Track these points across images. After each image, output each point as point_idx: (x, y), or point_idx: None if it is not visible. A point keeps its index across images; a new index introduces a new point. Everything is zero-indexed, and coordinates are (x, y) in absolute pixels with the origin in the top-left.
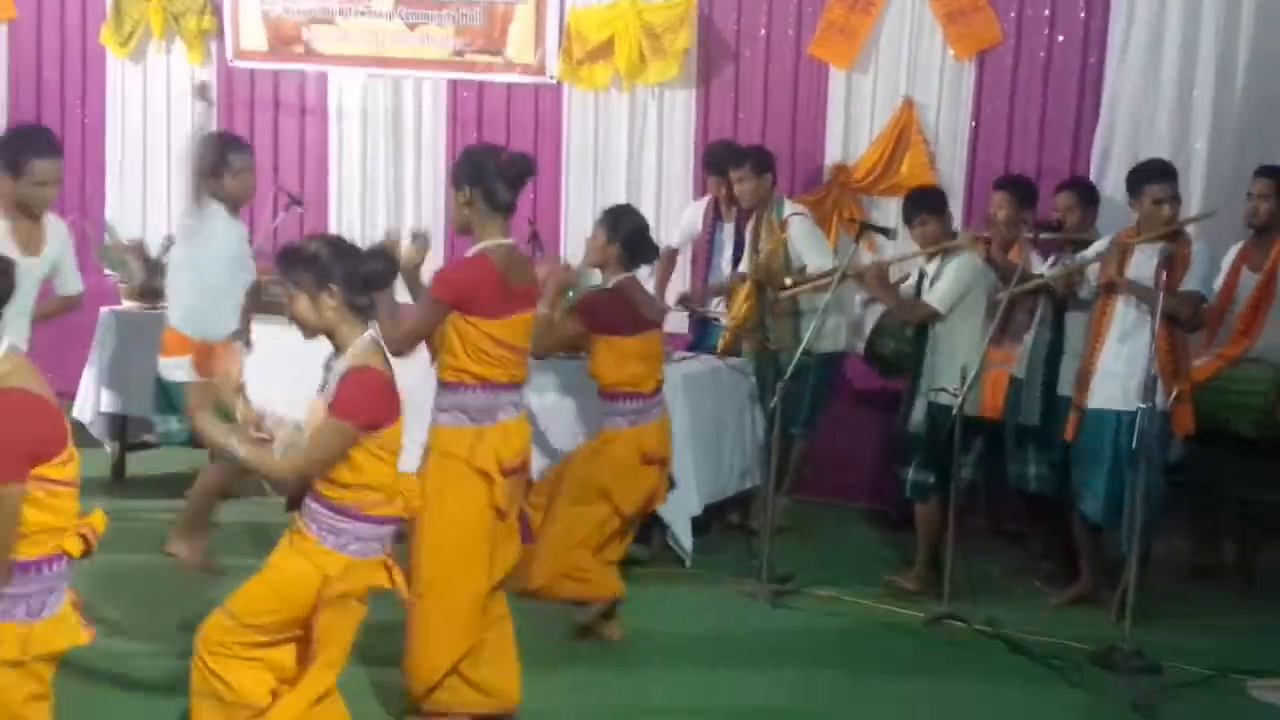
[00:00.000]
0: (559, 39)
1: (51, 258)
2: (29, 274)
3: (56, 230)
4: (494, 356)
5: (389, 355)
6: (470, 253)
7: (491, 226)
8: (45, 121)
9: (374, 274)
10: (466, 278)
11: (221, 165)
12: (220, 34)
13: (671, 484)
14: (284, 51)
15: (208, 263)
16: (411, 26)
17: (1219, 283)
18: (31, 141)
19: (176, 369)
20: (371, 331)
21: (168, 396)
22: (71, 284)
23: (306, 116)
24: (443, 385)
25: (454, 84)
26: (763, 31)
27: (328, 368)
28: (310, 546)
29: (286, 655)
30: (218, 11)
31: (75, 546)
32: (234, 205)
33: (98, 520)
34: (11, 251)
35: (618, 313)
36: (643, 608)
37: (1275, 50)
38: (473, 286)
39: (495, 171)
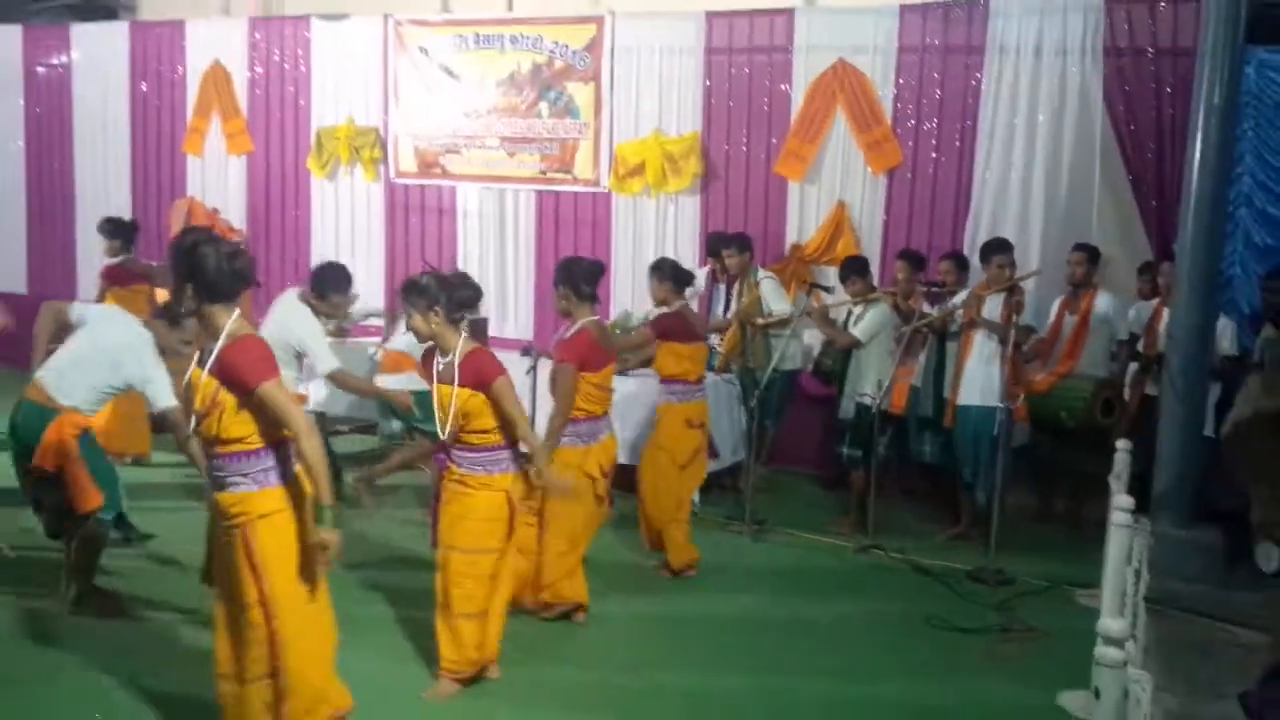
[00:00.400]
0: (609, 162)
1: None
2: None
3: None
4: (595, 397)
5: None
6: (573, 330)
7: (583, 309)
8: (270, 219)
9: (465, 299)
10: (579, 347)
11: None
12: (385, 160)
13: (714, 452)
14: (427, 172)
15: None
16: (511, 155)
17: (1048, 322)
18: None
19: (405, 381)
20: (466, 333)
21: (390, 404)
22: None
23: (442, 216)
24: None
25: (539, 193)
26: (744, 158)
27: (436, 364)
28: (481, 481)
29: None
30: (384, 145)
31: (276, 442)
32: None
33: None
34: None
35: (677, 327)
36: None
37: (1086, 161)
38: (585, 351)
39: (580, 274)
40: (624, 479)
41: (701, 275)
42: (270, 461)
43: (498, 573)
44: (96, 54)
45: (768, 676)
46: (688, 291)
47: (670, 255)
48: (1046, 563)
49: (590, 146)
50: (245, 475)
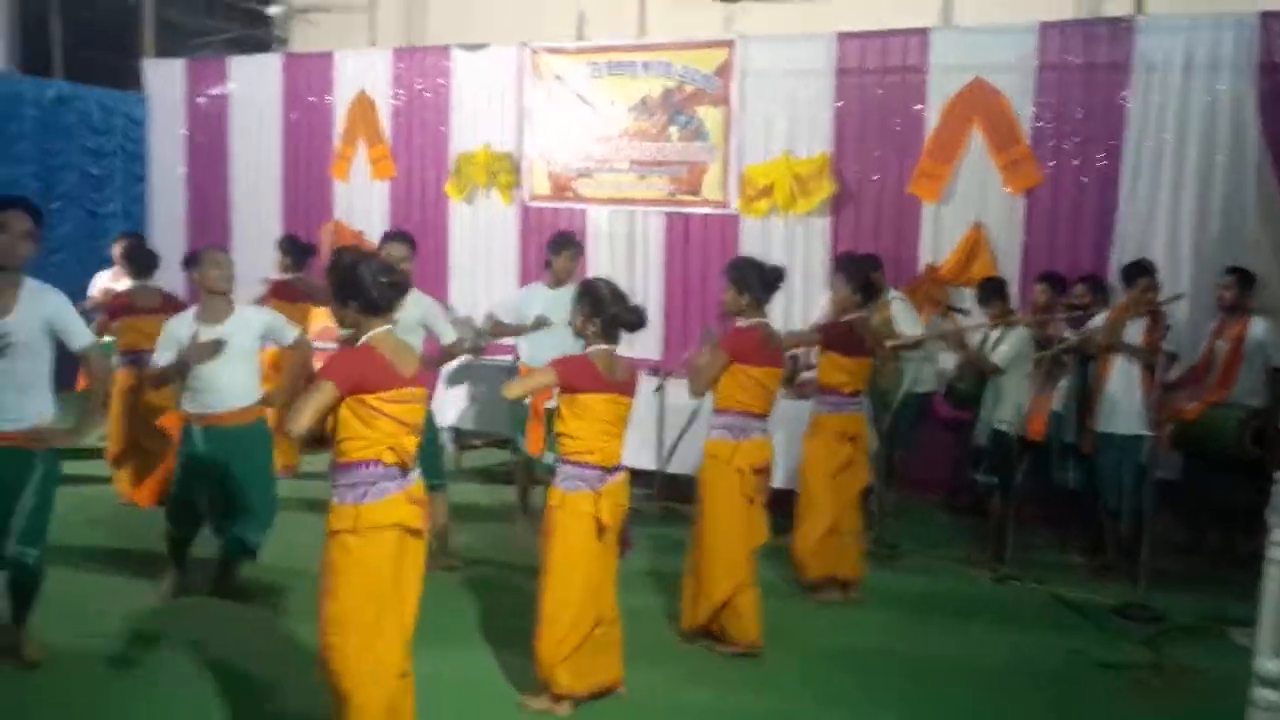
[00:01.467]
0: (738, 184)
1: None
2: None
3: (420, 301)
4: (752, 392)
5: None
6: (742, 324)
7: (754, 311)
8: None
9: (624, 320)
10: (739, 341)
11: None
12: (520, 184)
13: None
14: (560, 195)
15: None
16: (641, 177)
17: (1200, 350)
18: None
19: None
20: (606, 346)
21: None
22: (444, 336)
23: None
24: (716, 410)
25: (668, 215)
26: (875, 178)
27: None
28: (558, 500)
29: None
30: (518, 170)
31: (389, 457)
32: (557, 282)
33: (408, 443)
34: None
35: (846, 338)
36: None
37: (1239, 181)
38: (744, 346)
39: (757, 277)
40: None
41: (828, 298)
42: (351, 479)
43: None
44: (252, 85)
45: (899, 711)
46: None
47: (798, 277)
48: (1197, 598)
49: (719, 169)
50: (334, 486)
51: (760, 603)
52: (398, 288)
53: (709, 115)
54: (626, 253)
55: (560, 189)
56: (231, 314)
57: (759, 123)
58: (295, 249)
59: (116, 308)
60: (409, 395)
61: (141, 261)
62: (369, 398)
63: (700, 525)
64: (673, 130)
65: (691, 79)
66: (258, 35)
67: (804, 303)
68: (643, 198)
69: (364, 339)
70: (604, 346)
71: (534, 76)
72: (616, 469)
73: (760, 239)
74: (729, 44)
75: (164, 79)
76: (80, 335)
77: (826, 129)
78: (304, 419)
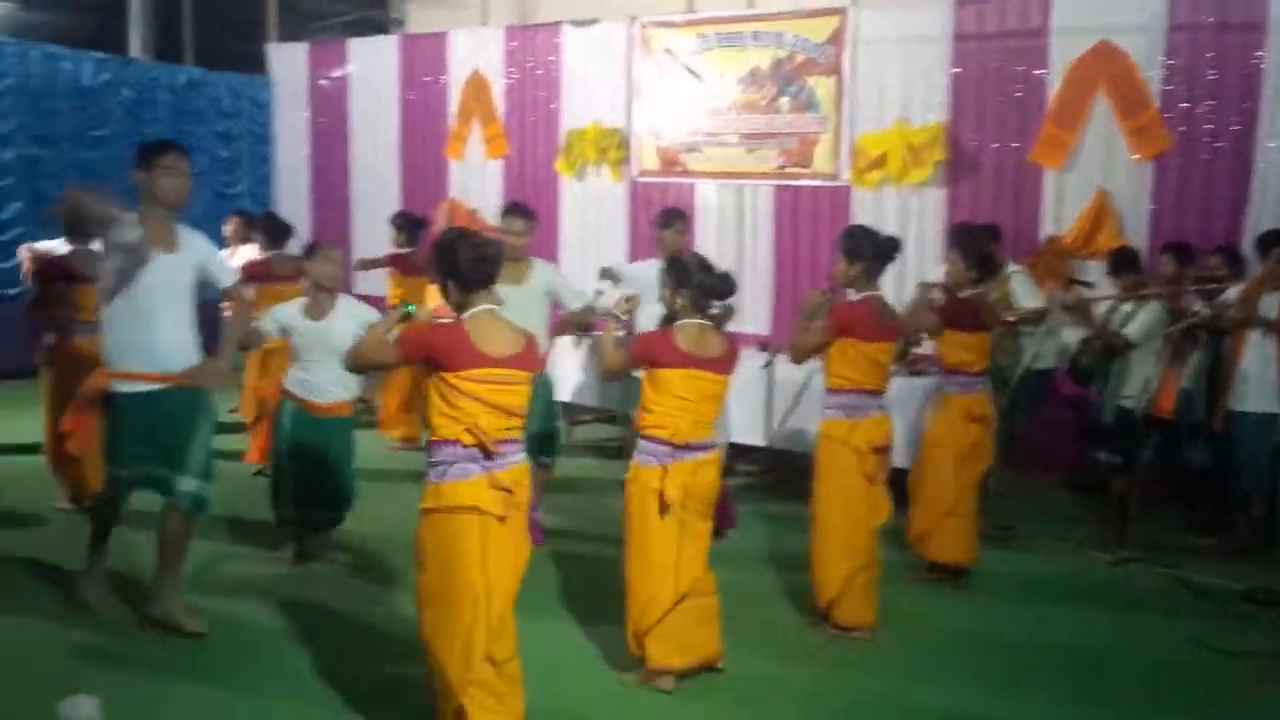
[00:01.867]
0: (849, 155)
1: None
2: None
3: (544, 271)
4: (866, 370)
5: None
6: (855, 298)
7: (866, 283)
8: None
9: (712, 287)
10: (851, 313)
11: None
12: (628, 160)
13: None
14: (669, 170)
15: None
16: (750, 151)
17: None
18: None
19: None
20: (699, 320)
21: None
22: (570, 302)
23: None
24: (830, 390)
25: (778, 188)
26: (994, 146)
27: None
28: (631, 474)
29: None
30: (627, 145)
31: (466, 438)
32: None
33: (488, 427)
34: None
35: (965, 314)
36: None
37: None
38: (854, 320)
39: (871, 247)
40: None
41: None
42: (436, 457)
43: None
44: (370, 67)
45: (1009, 696)
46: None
47: (911, 250)
48: None
49: (830, 140)
50: (429, 464)
51: (877, 584)
52: (490, 264)
53: (820, 85)
54: (735, 227)
55: (669, 164)
56: (334, 309)
57: (871, 91)
58: (408, 224)
59: (256, 274)
60: (496, 375)
61: (275, 231)
62: (449, 375)
63: (817, 507)
64: (783, 101)
65: (802, 48)
66: (375, 17)
67: (917, 277)
68: (752, 171)
69: (463, 316)
70: (694, 320)
71: (643, 51)
72: (692, 447)
73: (873, 211)
74: (841, 11)
75: (287, 63)
76: (227, 275)
77: (942, 96)
78: (360, 352)
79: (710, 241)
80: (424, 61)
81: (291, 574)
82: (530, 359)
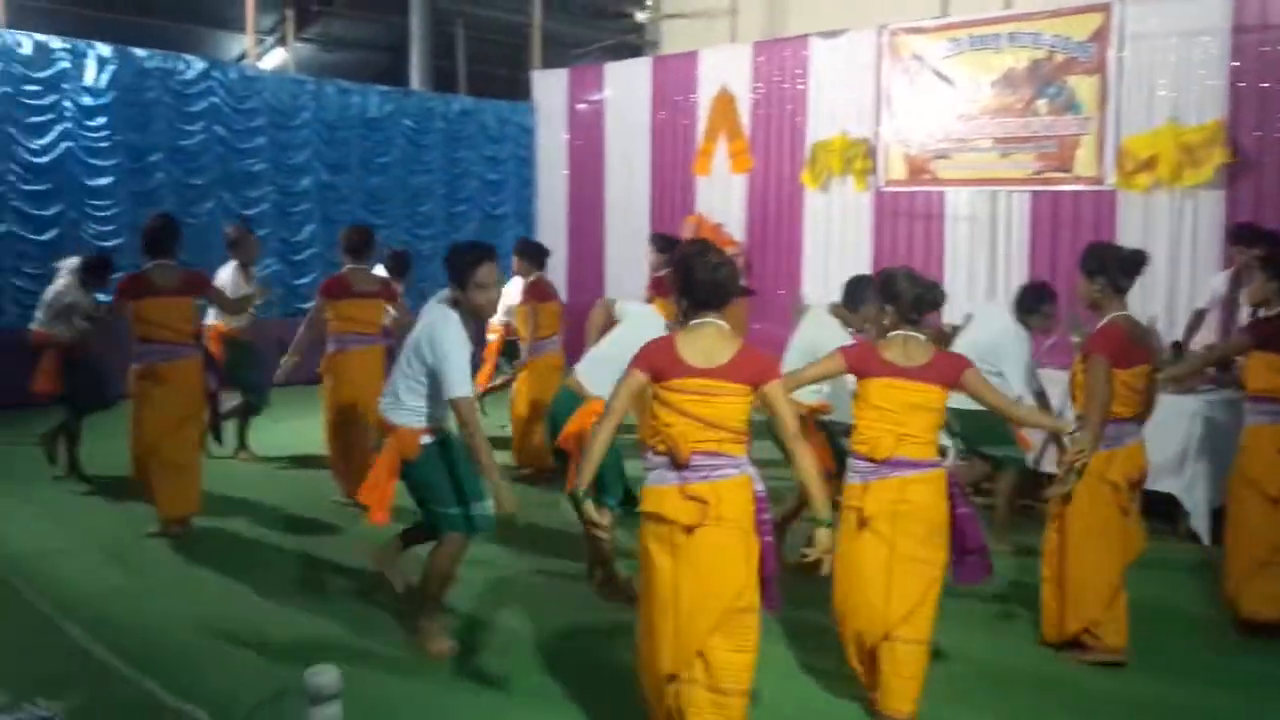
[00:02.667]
0: (1114, 157)
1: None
2: None
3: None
4: (1123, 397)
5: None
6: (1104, 320)
7: (1115, 302)
8: (765, 231)
9: (920, 298)
10: (1110, 339)
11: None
12: (875, 169)
13: None
14: (917, 178)
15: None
16: (1004, 156)
17: None
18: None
19: None
20: (920, 335)
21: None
22: None
23: (930, 222)
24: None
25: (1035, 194)
26: None
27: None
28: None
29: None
30: (874, 155)
31: (661, 446)
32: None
33: (680, 437)
34: None
35: (1277, 334)
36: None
37: None
38: (1116, 344)
39: (1119, 265)
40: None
41: (1222, 279)
42: (649, 462)
43: None
44: (625, 89)
45: None
46: (1203, 300)
47: (1186, 257)
48: None
49: (1093, 142)
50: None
51: (1126, 607)
52: (725, 285)
53: (1081, 85)
54: (988, 236)
55: (917, 172)
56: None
57: (1139, 90)
58: (669, 245)
59: (538, 294)
60: (697, 386)
61: (535, 255)
62: (657, 386)
63: (1067, 541)
64: (1040, 103)
65: (1062, 48)
66: (632, 41)
67: (1191, 287)
68: (1006, 177)
69: (680, 329)
70: (901, 333)
71: (892, 59)
72: (899, 463)
73: (1140, 216)
74: (1105, 8)
75: (550, 88)
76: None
77: (1220, 93)
78: (616, 402)
79: (961, 250)
80: (675, 81)
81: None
82: (742, 368)
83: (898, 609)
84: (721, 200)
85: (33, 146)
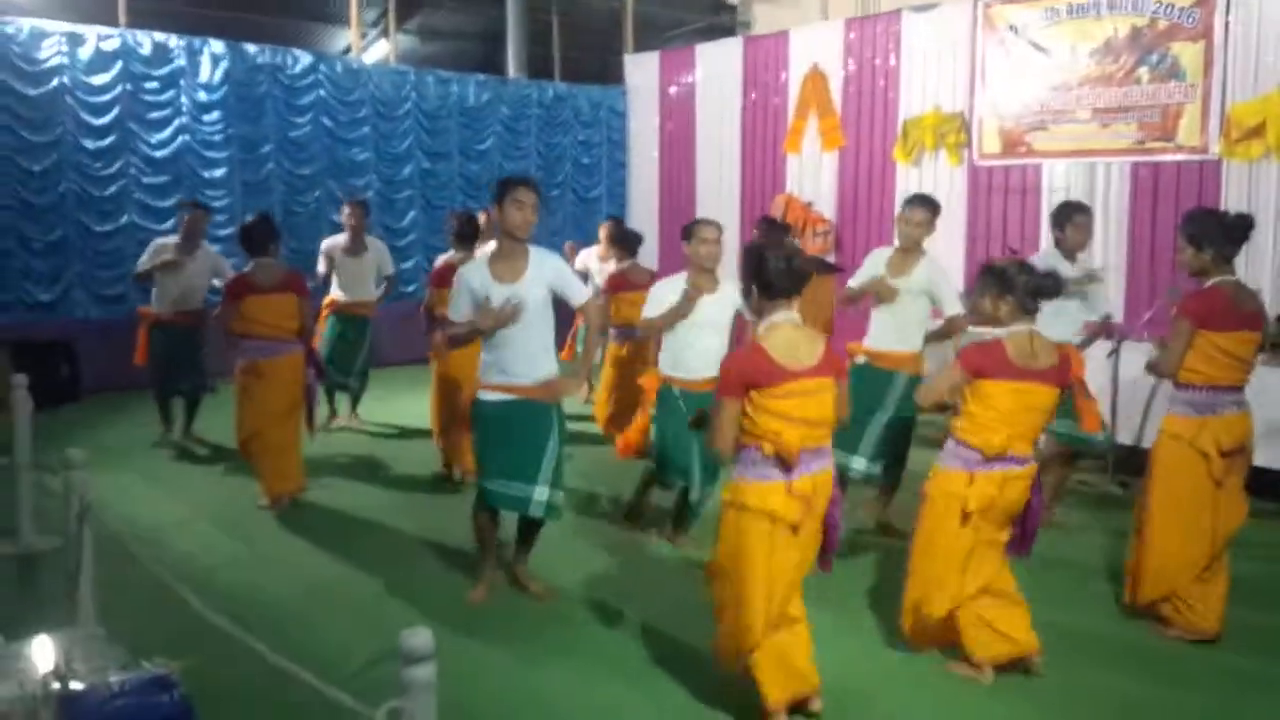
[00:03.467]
0: (1220, 125)
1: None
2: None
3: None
4: (1219, 362)
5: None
6: (1207, 284)
7: (1219, 268)
8: (857, 209)
9: (1038, 287)
10: (1202, 304)
11: (1065, 221)
12: (969, 143)
13: None
14: (1012, 151)
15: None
16: (1104, 126)
17: None
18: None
19: None
20: (1028, 326)
21: None
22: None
23: (1025, 196)
24: (1177, 384)
25: (1135, 165)
26: None
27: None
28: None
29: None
30: (968, 129)
31: (767, 449)
32: (1069, 252)
33: (787, 442)
34: None
35: None
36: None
37: None
38: (1208, 310)
39: (1221, 231)
40: None
41: None
42: (742, 459)
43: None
44: (716, 70)
45: None
46: None
47: None
48: None
49: (1198, 110)
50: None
51: (1226, 589)
52: (799, 277)
53: (1185, 52)
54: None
55: (1012, 145)
56: (718, 288)
57: (1247, 55)
58: (774, 229)
59: (614, 285)
60: (798, 389)
61: (629, 242)
62: (754, 393)
63: (1150, 509)
64: (1142, 72)
65: (1165, 14)
66: (725, 22)
67: None
68: (1105, 148)
69: (761, 327)
70: (1024, 326)
71: (986, 30)
72: (1006, 459)
73: (1247, 185)
74: None
75: (642, 72)
76: (579, 292)
77: None
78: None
79: None
80: (766, 61)
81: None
82: (829, 363)
83: (971, 585)
84: (812, 179)
85: (152, 141)
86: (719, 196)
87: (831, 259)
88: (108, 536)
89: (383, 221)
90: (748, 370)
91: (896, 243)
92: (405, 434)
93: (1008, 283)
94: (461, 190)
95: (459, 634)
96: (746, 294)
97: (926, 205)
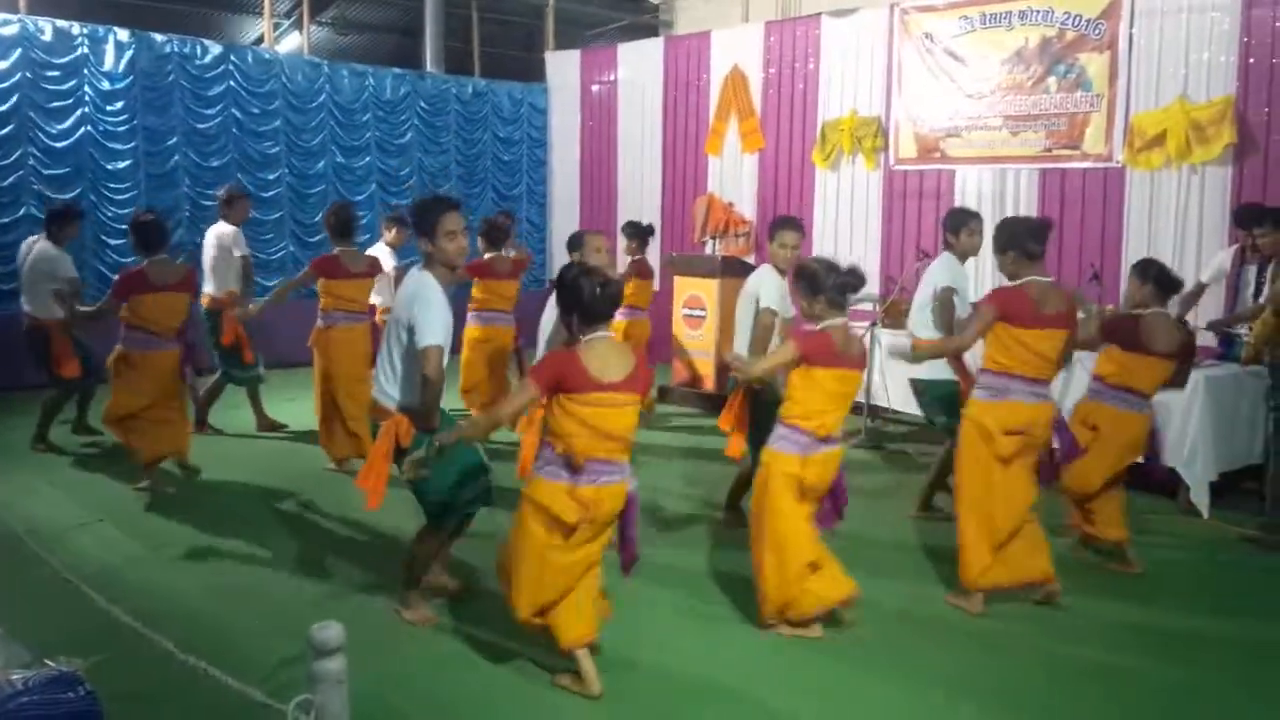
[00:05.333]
0: (1124, 134)
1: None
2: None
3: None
4: (1015, 353)
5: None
6: (1014, 284)
7: (1029, 270)
8: (776, 210)
9: (845, 284)
10: (1007, 298)
11: (960, 227)
12: (886, 148)
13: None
14: (927, 157)
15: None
16: (1014, 133)
17: None
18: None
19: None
20: (842, 319)
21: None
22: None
23: (940, 200)
24: (980, 369)
25: (1044, 172)
26: None
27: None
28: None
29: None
30: (885, 134)
31: (559, 447)
32: (963, 257)
33: (576, 447)
34: None
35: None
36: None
37: None
38: (1013, 304)
39: (1022, 235)
40: None
41: (1227, 255)
42: (545, 455)
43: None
44: (637, 69)
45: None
46: (1206, 274)
47: (1192, 232)
48: None
49: (1103, 119)
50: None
51: (1039, 542)
52: (611, 302)
53: (1091, 62)
54: (997, 213)
55: (927, 151)
56: None
57: (1149, 67)
58: (638, 232)
59: (478, 271)
60: (604, 400)
61: (642, 235)
62: (562, 397)
63: (958, 483)
64: (1050, 81)
65: (1074, 25)
66: (647, 21)
67: (1197, 264)
68: (1015, 155)
69: (582, 341)
70: (837, 321)
71: (903, 37)
72: (831, 440)
73: (1148, 193)
74: None
75: (562, 69)
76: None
77: (1229, 70)
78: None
79: None
80: (687, 61)
81: None
82: (635, 382)
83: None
84: (733, 180)
85: (52, 131)
86: (641, 195)
87: (751, 260)
88: (6, 535)
89: (294, 217)
90: (561, 372)
91: (776, 266)
92: (300, 435)
93: (818, 283)
94: (379, 184)
95: (366, 626)
96: (566, 318)
97: (799, 228)
